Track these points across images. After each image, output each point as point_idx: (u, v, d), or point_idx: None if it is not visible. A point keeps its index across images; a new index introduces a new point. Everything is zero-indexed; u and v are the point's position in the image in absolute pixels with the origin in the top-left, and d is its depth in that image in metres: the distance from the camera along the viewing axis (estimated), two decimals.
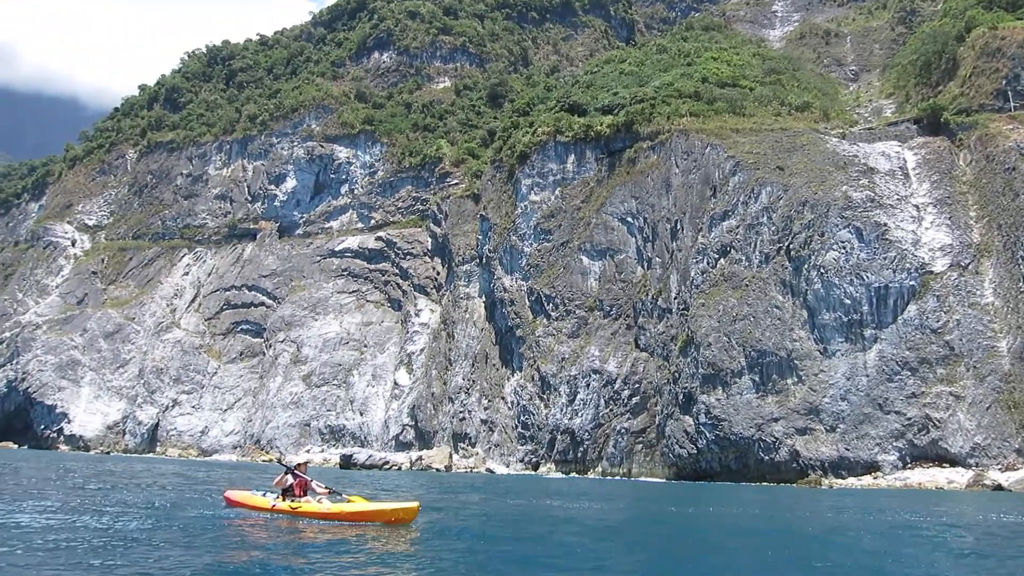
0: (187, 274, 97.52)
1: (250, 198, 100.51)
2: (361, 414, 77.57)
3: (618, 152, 68.55)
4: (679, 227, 59.75)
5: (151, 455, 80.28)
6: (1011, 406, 44.23)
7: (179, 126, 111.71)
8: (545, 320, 65.08)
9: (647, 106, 68.99)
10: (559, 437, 59.91)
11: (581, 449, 58.69)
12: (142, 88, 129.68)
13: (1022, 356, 44.91)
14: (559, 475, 57.45)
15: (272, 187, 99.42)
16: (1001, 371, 45.34)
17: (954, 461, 44.22)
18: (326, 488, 17.35)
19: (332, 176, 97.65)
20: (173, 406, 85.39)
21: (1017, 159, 51.35)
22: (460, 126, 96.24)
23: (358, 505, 16.37)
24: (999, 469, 42.31)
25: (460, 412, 68.57)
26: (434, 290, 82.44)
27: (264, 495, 18.02)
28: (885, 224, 51.18)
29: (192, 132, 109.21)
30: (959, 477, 42.10)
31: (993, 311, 47.60)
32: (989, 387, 45.07)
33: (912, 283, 48.93)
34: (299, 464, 17.86)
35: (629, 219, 64.20)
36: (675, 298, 56.96)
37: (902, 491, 40.30)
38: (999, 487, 39.11)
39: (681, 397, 52.87)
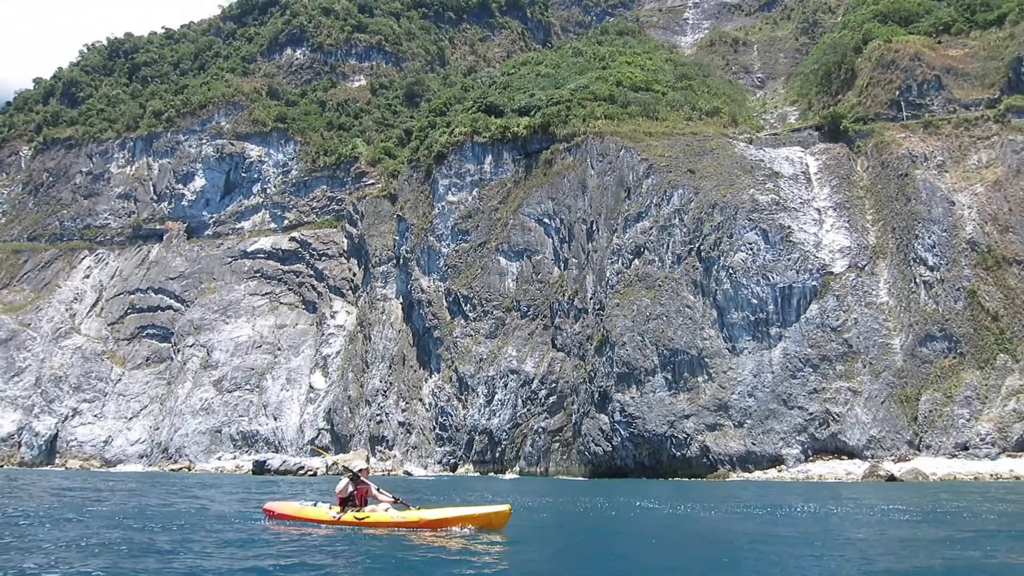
0: (88, 277, 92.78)
1: (156, 197, 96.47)
2: (275, 419, 75.52)
3: (535, 153, 69.01)
4: (595, 228, 60.59)
5: (48, 467, 76.00)
6: (903, 400, 46.73)
7: (78, 122, 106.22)
8: (463, 321, 64.92)
9: (563, 108, 69.72)
10: (477, 438, 59.88)
11: (499, 449, 58.83)
12: (37, 82, 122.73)
13: (914, 353, 47.51)
14: (477, 475, 57.40)
15: (179, 186, 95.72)
16: (895, 367, 47.83)
17: (852, 453, 46.37)
18: (391, 496, 15.58)
19: (243, 175, 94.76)
20: (73, 415, 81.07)
21: (909, 166, 54.30)
22: (376, 125, 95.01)
23: (441, 511, 14.75)
24: (892, 460, 44.59)
25: (377, 415, 67.68)
26: (350, 291, 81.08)
27: (315, 505, 16.18)
28: (789, 226, 53.25)
29: (92, 128, 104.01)
30: (856, 469, 44.15)
31: (887, 310, 50.18)
32: (884, 382, 47.49)
33: (814, 283, 51.08)
34: (361, 469, 15.88)
35: (546, 220, 64.72)
36: (591, 298, 57.74)
37: (803, 483, 41.96)
38: (892, 477, 41.16)
39: (597, 396, 53.62)
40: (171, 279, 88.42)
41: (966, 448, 43.73)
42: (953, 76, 60.03)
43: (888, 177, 55.32)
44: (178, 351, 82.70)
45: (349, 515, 15.11)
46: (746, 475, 47.02)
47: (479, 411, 60.17)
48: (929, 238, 50.21)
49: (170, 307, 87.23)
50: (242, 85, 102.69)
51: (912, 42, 63.93)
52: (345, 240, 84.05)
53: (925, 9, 71.12)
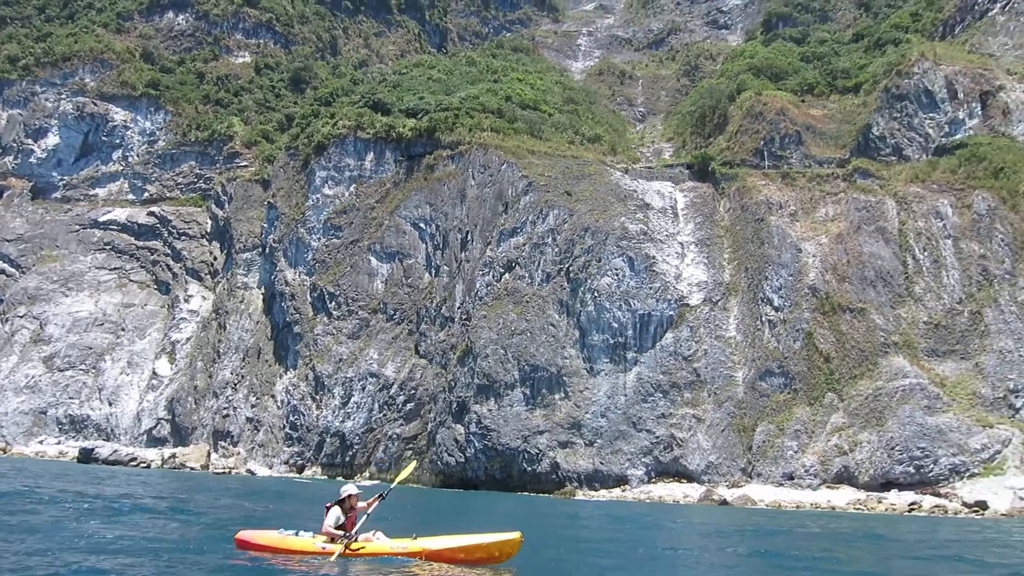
0: None
1: (0, 150, 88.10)
2: (110, 404, 70.44)
3: (418, 156, 68.49)
4: (469, 238, 60.79)
5: None
6: (741, 430, 49.66)
7: None
8: (326, 318, 63.25)
9: (451, 115, 69.66)
10: (328, 440, 58.38)
11: (350, 453, 57.61)
12: None
13: (754, 386, 50.63)
14: (324, 479, 55.91)
15: (29, 141, 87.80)
16: (736, 398, 50.78)
17: (691, 477, 48.71)
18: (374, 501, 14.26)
19: (104, 139, 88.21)
20: None
21: (765, 212, 58.03)
22: (257, 106, 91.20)
23: (449, 540, 13.43)
24: (727, 486, 47.23)
25: (224, 408, 64.56)
26: (208, 276, 77.09)
27: (297, 534, 14.17)
28: (654, 257, 55.53)
29: None
30: (693, 492, 46.43)
31: (734, 344, 53.24)
32: (725, 412, 50.28)
33: (671, 313, 53.46)
34: (349, 496, 14.04)
35: (422, 225, 64.28)
36: (459, 308, 57.79)
37: (645, 503, 43.69)
38: (724, 502, 43.61)
39: (455, 406, 53.62)
40: (7, 240, 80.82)
41: (792, 478, 46.97)
42: (811, 134, 64.84)
43: (746, 220, 58.88)
44: (6, 320, 75.61)
45: (339, 546, 13.49)
46: (592, 493, 48.37)
47: (333, 412, 58.71)
48: (776, 280, 53.79)
49: (2, 271, 79.74)
50: (114, 43, 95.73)
51: (779, 98, 68.60)
52: (209, 221, 79.93)
53: (794, 69, 76.49)
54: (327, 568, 12.72)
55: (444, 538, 13.53)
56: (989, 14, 70.54)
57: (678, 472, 49.13)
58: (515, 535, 12.97)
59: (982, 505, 40.00)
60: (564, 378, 51.85)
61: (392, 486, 14.75)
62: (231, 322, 69.13)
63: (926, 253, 53.12)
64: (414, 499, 37.78)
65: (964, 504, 40.83)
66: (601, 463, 49.49)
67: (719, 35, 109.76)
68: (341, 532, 13.65)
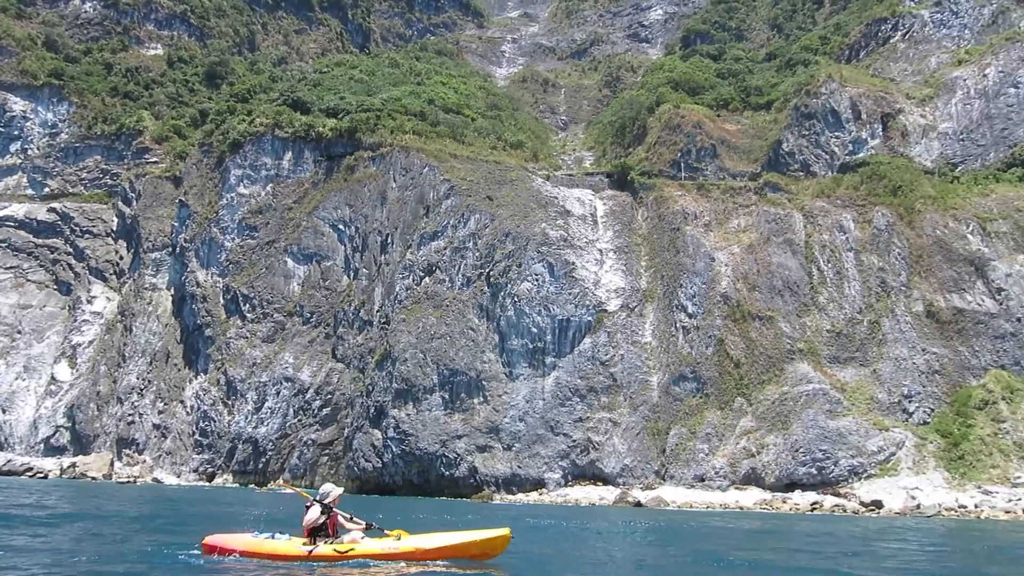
0: None
1: None
2: (4, 411, 66.31)
3: (338, 157, 67.43)
4: (389, 241, 60.20)
5: None
6: (655, 433, 50.81)
7: None
8: (239, 321, 61.43)
9: (372, 117, 68.90)
10: (241, 446, 56.66)
11: (263, 460, 56.07)
12: None
13: (668, 390, 51.92)
14: (236, 486, 54.24)
15: None
16: (651, 402, 51.93)
17: (606, 480, 49.51)
18: (362, 523, 13.68)
19: (1, 130, 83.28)
20: None
21: (681, 221, 59.68)
22: (169, 100, 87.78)
23: (434, 538, 13.21)
24: (641, 488, 48.21)
25: (129, 415, 61.75)
26: (114, 276, 73.61)
27: (272, 537, 13.54)
28: (573, 263, 56.28)
29: None
30: (609, 494, 47.20)
31: (650, 350, 54.49)
32: (640, 416, 51.35)
33: (589, 319, 54.27)
34: (335, 497, 13.58)
35: (341, 226, 63.27)
36: (377, 311, 57.11)
37: (561, 506, 44.11)
38: (639, 504, 44.50)
39: (372, 410, 52.93)
40: None
41: (703, 480, 48.33)
42: (726, 147, 67.09)
43: (663, 229, 60.40)
44: None
45: (327, 548, 12.94)
46: (510, 497, 48.53)
47: (246, 418, 57.03)
48: (691, 288, 55.35)
49: None
50: (13, 28, 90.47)
51: (697, 111, 70.73)
52: (115, 219, 76.36)
53: (710, 84, 78.99)
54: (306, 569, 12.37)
55: (432, 536, 13.39)
56: (891, 41, 74.66)
57: (594, 475, 49.83)
58: (504, 532, 13.00)
59: (878, 504, 42.12)
60: (483, 382, 51.90)
61: (385, 531, 14.16)
62: (138, 324, 66.24)
63: (830, 265, 55.68)
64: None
65: (862, 503, 42.90)
66: (519, 467, 49.73)
67: (640, 48, 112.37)
68: (315, 530, 13.27)
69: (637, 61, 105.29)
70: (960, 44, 70.82)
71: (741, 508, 43.89)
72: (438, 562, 12.90)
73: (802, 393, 49.39)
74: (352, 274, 61.72)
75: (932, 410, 48.82)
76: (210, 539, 13.62)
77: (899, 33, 74.70)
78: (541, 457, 50.04)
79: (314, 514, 13.26)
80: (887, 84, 68.76)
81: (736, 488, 47.54)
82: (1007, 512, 39.83)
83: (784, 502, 44.75)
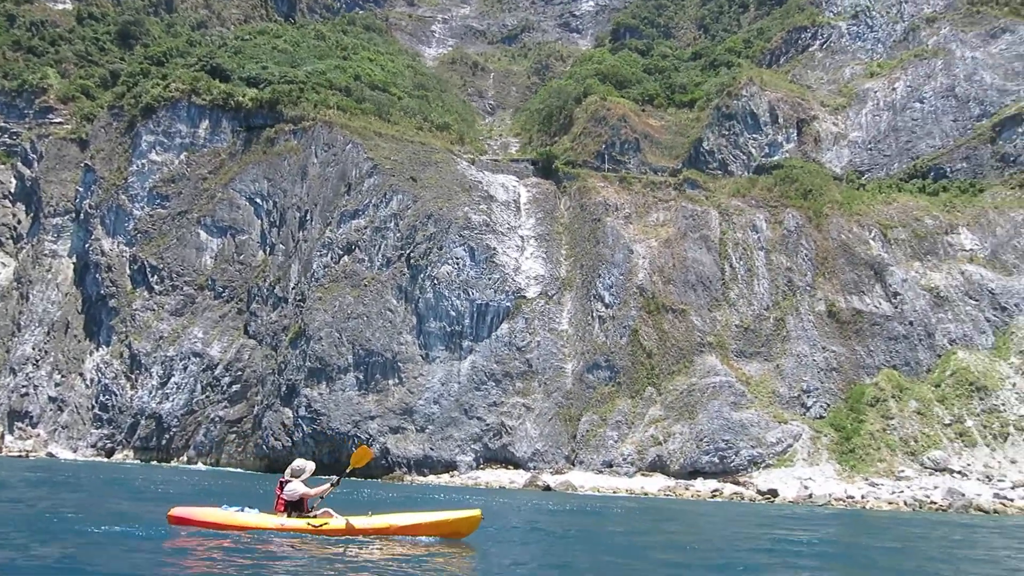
0: None
1: None
2: None
3: (257, 129, 65.43)
4: (309, 217, 58.95)
5: None
6: (568, 419, 51.67)
7: None
8: (146, 293, 59.06)
9: (296, 89, 67.13)
10: (143, 422, 54.67)
11: (167, 436, 54.29)
12: None
13: (581, 378, 52.83)
14: (137, 463, 52.35)
15: None
16: (565, 389, 52.74)
17: (518, 464, 50.09)
18: (331, 480, 13.60)
19: None
20: None
21: (602, 212, 60.61)
22: (77, 59, 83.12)
23: (415, 516, 13.35)
24: (551, 472, 49.00)
25: (23, 386, 58.63)
26: (10, 241, 69.47)
27: (242, 511, 13.22)
28: (495, 248, 56.44)
29: None
30: (519, 478, 47.79)
31: (566, 337, 55.27)
32: (553, 402, 52.10)
33: (508, 304, 54.62)
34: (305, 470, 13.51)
35: (258, 200, 61.54)
36: (293, 288, 55.94)
37: (472, 488, 44.41)
38: (548, 487, 45.24)
39: (284, 389, 51.93)
40: None
41: (611, 466, 49.47)
42: (649, 142, 68.42)
43: (584, 219, 61.22)
44: None
45: (300, 522, 12.84)
46: (421, 479, 48.56)
47: (150, 393, 55.02)
48: (608, 279, 56.37)
49: None
50: None
51: (622, 105, 71.79)
52: (14, 181, 71.91)
53: (637, 79, 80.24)
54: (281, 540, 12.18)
55: (409, 515, 13.51)
56: (809, 49, 77.51)
57: (506, 459, 50.34)
58: (475, 512, 13.25)
59: (773, 493, 44.08)
60: (399, 364, 51.62)
61: (347, 471, 14.51)
62: (35, 292, 62.82)
63: (742, 262, 57.65)
64: (240, 484, 36.14)
65: (759, 492, 44.80)
66: (431, 449, 49.78)
67: (570, 38, 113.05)
68: (292, 504, 13.15)
69: (567, 51, 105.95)
70: (873, 57, 74.18)
71: (646, 494, 45.19)
72: (412, 538, 13.05)
73: (709, 385, 51.09)
74: (268, 249, 60.17)
75: (828, 405, 51.33)
76: (176, 511, 13.32)
77: (817, 42, 77.63)
78: (454, 440, 50.21)
79: (299, 488, 13.12)
80: (804, 91, 71.44)
81: (642, 474, 48.87)
82: (890, 503, 42.32)
83: (687, 489, 46.29)
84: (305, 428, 50.02)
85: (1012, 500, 41.08)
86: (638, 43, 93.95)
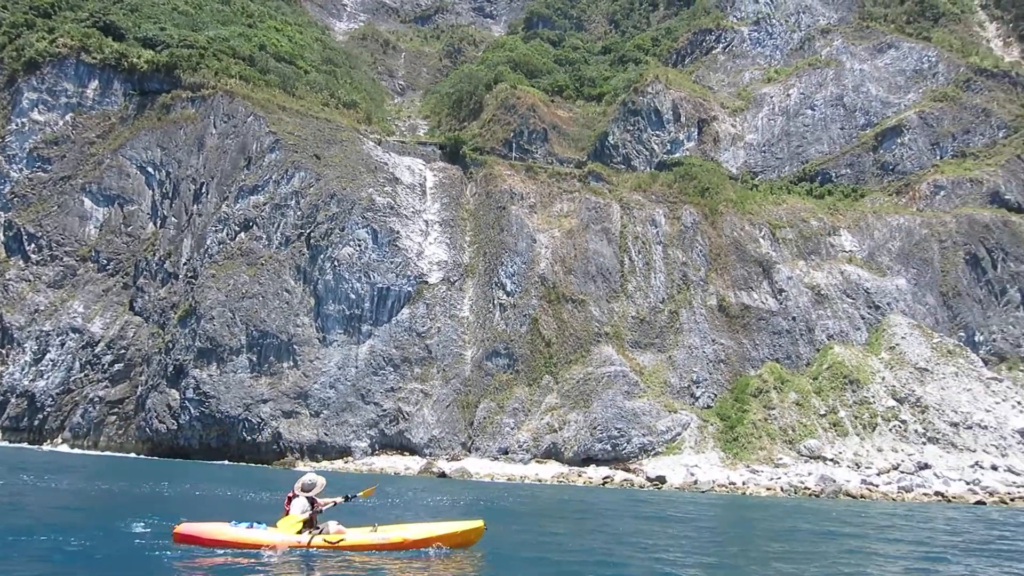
0: None
1: None
2: None
3: (152, 93, 62.20)
4: (204, 190, 56.59)
5: None
6: (465, 406, 51.91)
7: None
8: (22, 262, 55.33)
9: (196, 54, 64.10)
10: (14, 400, 51.35)
11: (40, 416, 51.21)
12: None
13: (480, 365, 53.13)
14: (5, 444, 49.17)
15: None
16: (463, 376, 52.93)
17: (414, 450, 50.01)
18: (338, 497, 13.71)
19: None
20: None
21: (508, 201, 60.92)
22: None
23: (417, 528, 13.42)
24: (446, 459, 49.17)
25: None
26: None
27: (250, 526, 12.61)
28: (398, 232, 55.84)
29: None
30: (414, 464, 47.72)
31: (467, 324, 55.41)
32: (452, 388, 52.21)
33: (410, 289, 54.23)
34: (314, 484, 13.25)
35: (150, 169, 58.58)
36: (184, 264, 53.66)
37: (367, 475, 44.03)
38: (443, 474, 45.38)
39: (171, 369, 49.86)
40: None
41: (506, 452, 50.07)
42: (557, 133, 69.15)
43: (490, 206, 61.37)
44: None
45: (318, 538, 12.54)
46: (314, 464, 47.73)
47: (22, 369, 51.70)
48: (511, 267, 56.80)
49: None
50: None
51: (532, 94, 72.20)
52: None
53: (547, 69, 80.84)
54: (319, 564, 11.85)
55: (419, 526, 13.62)
56: (712, 52, 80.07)
57: (402, 445, 50.16)
58: (479, 523, 13.50)
59: (662, 480, 45.74)
60: (295, 346, 50.46)
61: (359, 495, 14.43)
62: None
63: (640, 256, 59.24)
64: (120, 469, 34.53)
65: (648, 479, 46.39)
66: (326, 434, 49.00)
67: (484, 23, 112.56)
68: (332, 503, 13.38)
69: (480, 35, 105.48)
70: (771, 63, 77.39)
71: (540, 480, 46.01)
72: (424, 551, 13.17)
73: (604, 374, 52.37)
74: (159, 222, 57.44)
75: (715, 395, 53.60)
76: (183, 528, 12.63)
77: (720, 46, 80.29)
78: (349, 425, 49.59)
79: (303, 505, 12.93)
80: (706, 92, 73.80)
81: (537, 461, 49.72)
82: (768, 489, 44.67)
83: (579, 475, 47.41)
84: (192, 411, 48.23)
85: (877, 486, 44.13)
86: (550, 33, 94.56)
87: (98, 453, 48.74)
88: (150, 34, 66.49)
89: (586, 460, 49.67)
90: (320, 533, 12.84)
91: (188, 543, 12.42)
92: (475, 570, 12.36)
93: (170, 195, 57.80)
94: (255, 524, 12.95)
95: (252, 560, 11.81)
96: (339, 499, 13.70)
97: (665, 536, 18.05)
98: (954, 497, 41.06)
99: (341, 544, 12.72)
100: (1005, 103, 68.88)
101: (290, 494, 13.25)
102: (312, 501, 13.11)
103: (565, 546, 15.80)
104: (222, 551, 12.20)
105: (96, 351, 52.20)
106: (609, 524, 19.98)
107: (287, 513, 13.03)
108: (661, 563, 13.53)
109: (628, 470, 48.31)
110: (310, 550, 12.47)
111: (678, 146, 68.40)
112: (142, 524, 14.28)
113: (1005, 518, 29.62)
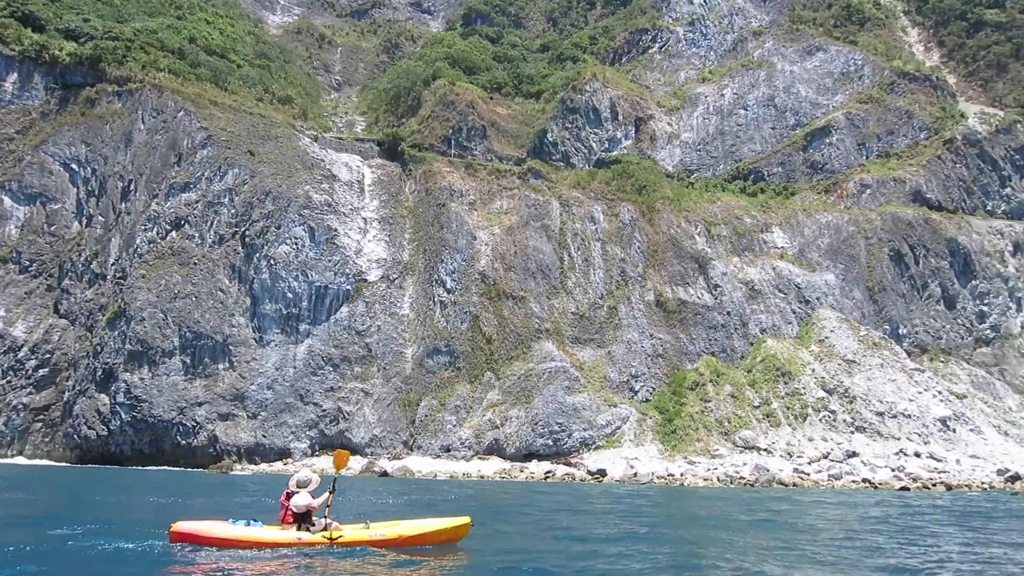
0: None
1: None
2: None
3: (75, 87, 59.82)
4: (133, 188, 54.78)
5: None
6: (406, 404, 51.63)
7: None
8: None
9: (122, 47, 61.92)
10: None
11: None
12: None
13: (421, 363, 52.90)
14: None
15: None
16: (404, 374, 52.62)
17: (355, 450, 49.45)
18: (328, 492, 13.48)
19: None
20: None
21: (447, 198, 60.76)
22: None
23: (410, 524, 13.55)
24: (388, 458, 48.82)
25: None
26: None
27: (247, 524, 12.72)
28: (336, 230, 55.11)
29: None
30: (356, 464, 47.15)
31: (407, 322, 55.09)
32: (393, 387, 51.85)
33: (348, 287, 53.60)
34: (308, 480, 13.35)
35: (74, 166, 56.37)
36: (113, 264, 51.87)
37: None
38: (385, 473, 45.03)
39: (100, 373, 48.15)
40: None
41: (449, 450, 50.02)
42: (496, 130, 69.25)
43: (429, 203, 61.10)
44: None
45: (316, 535, 12.68)
46: (252, 467, 46.80)
47: None
48: (451, 264, 56.70)
49: None
50: None
51: (471, 91, 72.13)
52: None
53: (486, 66, 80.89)
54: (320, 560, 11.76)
55: (413, 522, 13.71)
56: (649, 51, 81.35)
57: (343, 445, 49.49)
58: (466, 520, 13.80)
59: (602, 473, 46.35)
60: (230, 347, 49.34)
61: (336, 476, 14.43)
62: None
63: (579, 252, 59.85)
64: (48, 478, 33.19)
65: (589, 472, 46.94)
66: (264, 436, 48.09)
67: (421, 18, 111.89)
68: (301, 516, 13.03)
69: (418, 31, 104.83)
70: (706, 63, 79.07)
71: (482, 476, 46.09)
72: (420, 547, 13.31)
73: (545, 370, 52.77)
74: (85, 221, 55.35)
75: (654, 389, 54.57)
76: (179, 526, 12.58)
77: (657, 45, 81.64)
78: (288, 426, 48.78)
79: (308, 499, 13.02)
80: (642, 90, 74.95)
81: (479, 458, 49.78)
82: (705, 479, 45.72)
83: (521, 471, 47.67)
84: (124, 416, 46.70)
85: (808, 475, 45.65)
86: (489, 30, 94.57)
87: (25, 462, 46.79)
88: (72, 25, 63.95)
89: (528, 455, 49.96)
90: (316, 530, 13.01)
91: (184, 542, 12.42)
92: (464, 565, 12.47)
93: (96, 193, 55.76)
94: (252, 522, 13.03)
95: (251, 559, 11.76)
96: (330, 492, 13.56)
97: (603, 526, 18.34)
98: (880, 484, 42.77)
99: (339, 540, 12.84)
100: (926, 105, 71.99)
101: (287, 491, 13.30)
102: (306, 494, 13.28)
103: (534, 540, 15.92)
104: (219, 549, 12.22)
105: (19, 356, 50.02)
106: (554, 518, 20.19)
107: (286, 512, 13.14)
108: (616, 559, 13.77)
109: (569, 464, 48.79)
110: (307, 548, 12.56)
111: (616, 144, 69.30)
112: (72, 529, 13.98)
113: (922, 503, 30.99)
